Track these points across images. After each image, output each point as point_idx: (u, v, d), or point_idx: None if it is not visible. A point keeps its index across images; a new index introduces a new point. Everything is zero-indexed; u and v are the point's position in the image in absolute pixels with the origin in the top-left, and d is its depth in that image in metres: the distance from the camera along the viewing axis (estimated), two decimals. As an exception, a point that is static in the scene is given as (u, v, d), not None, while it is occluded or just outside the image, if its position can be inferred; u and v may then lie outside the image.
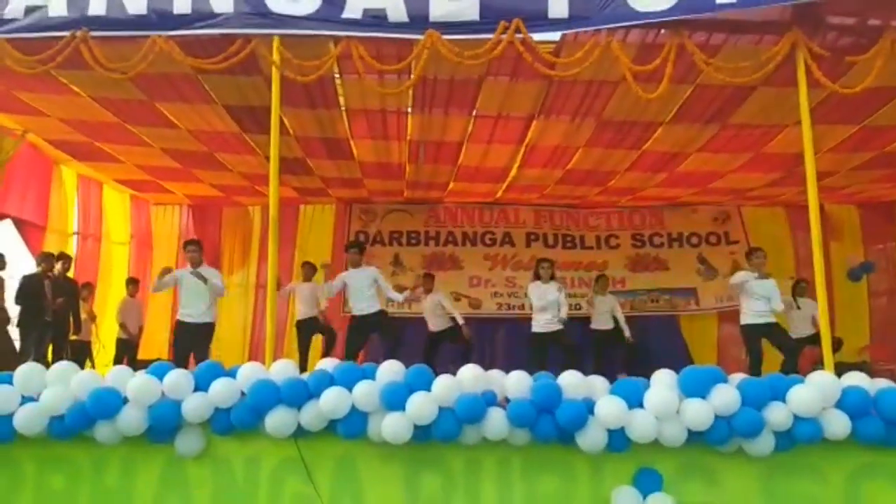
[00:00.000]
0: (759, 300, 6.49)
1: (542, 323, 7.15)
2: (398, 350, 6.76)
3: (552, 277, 7.38)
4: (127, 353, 8.64)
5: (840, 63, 5.11)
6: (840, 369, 4.67)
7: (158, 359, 6.51)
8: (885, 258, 10.53)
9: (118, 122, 6.94)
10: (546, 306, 7.11)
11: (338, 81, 6.04)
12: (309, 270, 8.80)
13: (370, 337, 7.30)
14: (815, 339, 7.41)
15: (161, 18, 5.13)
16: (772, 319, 6.60)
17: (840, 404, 4.23)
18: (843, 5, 5.01)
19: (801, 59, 5.03)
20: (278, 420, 4.26)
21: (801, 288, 8.29)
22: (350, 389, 4.27)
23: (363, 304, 7.07)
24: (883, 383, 4.41)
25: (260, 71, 5.55)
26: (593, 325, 8.72)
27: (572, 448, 4.27)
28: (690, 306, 10.33)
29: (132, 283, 9.19)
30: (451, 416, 4.23)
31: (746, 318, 6.63)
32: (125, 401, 4.32)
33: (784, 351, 6.55)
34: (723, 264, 10.36)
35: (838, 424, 4.17)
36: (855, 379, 4.42)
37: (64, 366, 4.66)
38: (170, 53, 5.12)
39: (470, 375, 4.41)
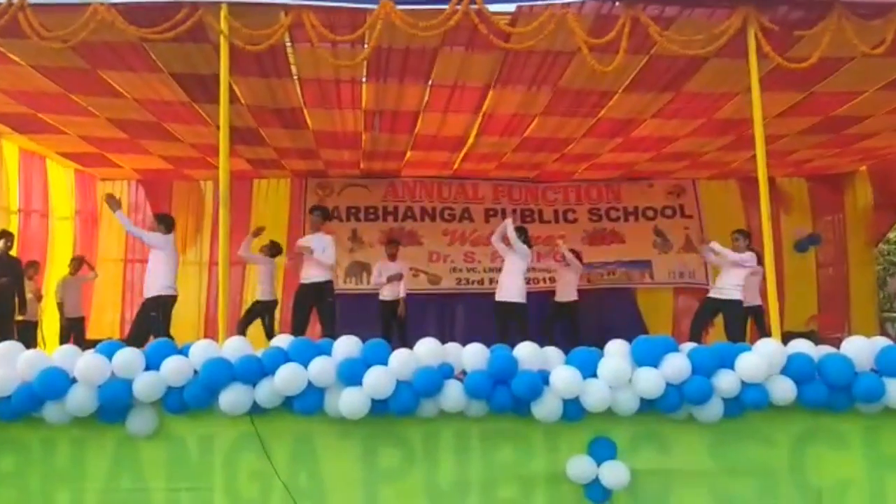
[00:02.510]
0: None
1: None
2: (333, 327, 6.73)
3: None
4: (74, 331, 8.44)
5: (789, 36, 5.20)
6: (788, 338, 4.80)
7: (109, 338, 6.37)
8: (832, 230, 10.88)
9: (61, 92, 6.68)
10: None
11: (289, 50, 5.90)
12: (273, 249, 8.71)
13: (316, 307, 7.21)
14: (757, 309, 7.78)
15: (103, -15, 4.93)
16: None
17: (786, 371, 4.35)
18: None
19: (751, 34, 5.11)
20: (232, 398, 4.20)
21: None
22: (306, 366, 4.24)
23: (314, 270, 7.00)
24: (827, 350, 4.56)
25: (208, 38, 5.37)
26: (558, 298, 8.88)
27: (528, 418, 4.31)
28: (645, 279, 10.54)
29: (76, 261, 8.95)
30: (408, 389, 4.23)
31: (738, 293, 6.95)
32: (74, 380, 4.21)
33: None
34: (677, 238, 10.60)
35: (784, 390, 4.30)
36: (800, 346, 4.56)
37: (9, 346, 4.50)
38: (112, 22, 4.93)
39: (427, 349, 4.41)
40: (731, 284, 7.00)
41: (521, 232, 7.47)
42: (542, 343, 4.65)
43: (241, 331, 7.92)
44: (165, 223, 6.84)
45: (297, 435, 4.39)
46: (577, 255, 9.21)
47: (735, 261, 6.96)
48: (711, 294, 7.30)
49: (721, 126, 7.89)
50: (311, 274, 7.07)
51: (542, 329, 8.23)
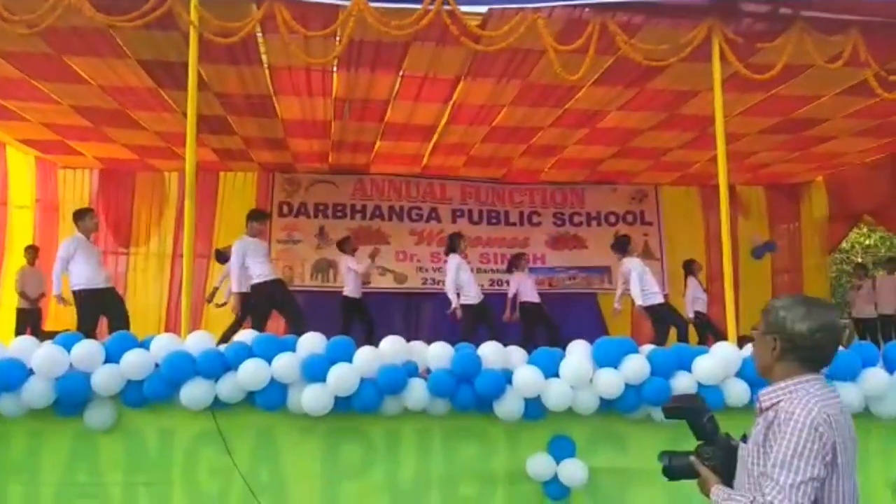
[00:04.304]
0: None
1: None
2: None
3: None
4: (30, 323, 8.25)
5: (752, 46, 5.35)
6: (743, 342, 4.93)
7: (66, 330, 6.25)
8: (788, 237, 11.19)
9: (23, 78, 6.53)
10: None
11: (260, 39, 5.86)
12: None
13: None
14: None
15: (70, -29, 4.84)
16: None
17: (740, 373, 4.48)
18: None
19: (716, 45, 5.26)
20: (194, 392, 4.16)
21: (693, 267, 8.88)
22: (269, 361, 4.22)
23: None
24: (780, 354, 4.69)
25: (177, 27, 5.31)
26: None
27: (490, 416, 4.36)
28: (604, 284, 10.69)
29: (31, 250, 8.76)
30: (371, 387, 4.24)
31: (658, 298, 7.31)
32: (31, 372, 4.13)
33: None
34: (635, 245, 10.74)
35: (739, 392, 4.41)
36: (755, 350, 4.68)
37: (-38, 336, 4.41)
38: (79, 9, 4.84)
39: (391, 346, 4.43)
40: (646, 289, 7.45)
41: (455, 238, 8.09)
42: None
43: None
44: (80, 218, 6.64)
45: (259, 430, 4.36)
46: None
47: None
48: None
49: (684, 122, 8.06)
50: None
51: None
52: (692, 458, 2.07)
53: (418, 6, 4.98)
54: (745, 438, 2.00)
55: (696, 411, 2.08)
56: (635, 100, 7.33)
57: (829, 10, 5.31)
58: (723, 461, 2.01)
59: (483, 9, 5.22)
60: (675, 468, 2.11)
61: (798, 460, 1.75)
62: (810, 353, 1.90)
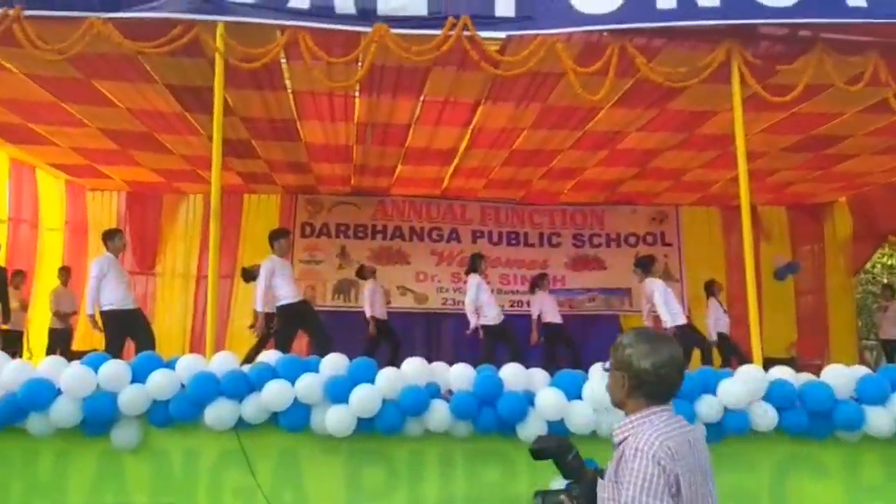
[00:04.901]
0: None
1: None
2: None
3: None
4: (60, 343, 8.38)
5: (772, 68, 5.35)
6: (768, 364, 4.88)
7: (94, 349, 6.35)
8: (811, 258, 11.07)
9: (53, 102, 6.71)
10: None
11: (284, 65, 5.98)
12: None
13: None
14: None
15: (100, 0, 4.99)
16: None
17: (767, 397, 4.42)
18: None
19: (735, 67, 5.27)
20: (219, 412, 4.20)
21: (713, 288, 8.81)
22: (293, 382, 4.26)
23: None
24: (808, 377, 4.64)
25: (203, 53, 5.43)
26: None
27: (513, 439, 4.34)
28: (625, 306, 10.63)
29: (64, 271, 8.92)
30: (394, 408, 4.25)
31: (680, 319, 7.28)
32: (59, 392, 4.19)
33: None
34: (656, 267, 10.68)
35: (765, 416, 4.35)
36: (781, 373, 4.63)
37: (-7, 356, 4.49)
38: (108, 36, 4.98)
39: (413, 368, 4.44)
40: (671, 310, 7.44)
41: (477, 259, 8.08)
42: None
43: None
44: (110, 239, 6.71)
45: (283, 451, 4.38)
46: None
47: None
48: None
49: (704, 141, 8.05)
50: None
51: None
52: (562, 496, 2.15)
53: (438, 32, 5.06)
54: (601, 473, 2.06)
55: (560, 451, 2.20)
56: (655, 120, 7.35)
57: (848, 33, 5.30)
58: (589, 497, 2.08)
59: (502, 34, 5.29)
60: None
61: (646, 496, 1.82)
62: (656, 387, 1.99)
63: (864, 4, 5.10)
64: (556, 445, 2.22)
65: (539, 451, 2.25)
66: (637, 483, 1.84)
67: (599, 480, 2.04)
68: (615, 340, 2.12)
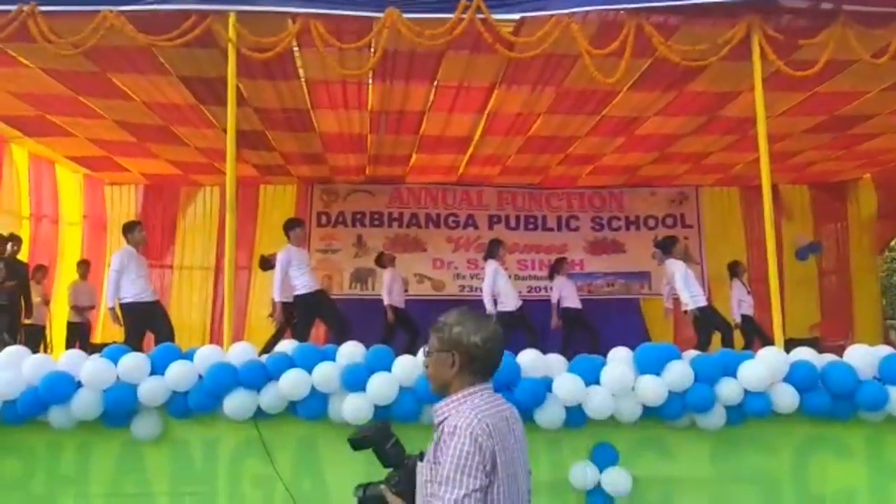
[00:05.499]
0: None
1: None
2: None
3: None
4: (79, 337, 8.49)
5: (794, 43, 5.22)
6: (790, 345, 4.81)
7: (114, 342, 6.41)
8: (834, 238, 10.88)
9: (70, 95, 6.75)
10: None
11: (296, 53, 5.95)
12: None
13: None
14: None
15: (113, -7, 5.00)
16: None
17: (788, 378, 4.34)
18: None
19: (756, 43, 5.14)
20: (237, 402, 4.22)
21: (737, 269, 8.72)
22: (310, 371, 4.26)
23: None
24: (830, 358, 4.56)
25: (216, 44, 5.42)
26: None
27: (531, 425, 4.30)
28: (644, 290, 10.54)
29: (83, 264, 9.01)
30: (411, 396, 4.25)
31: (701, 301, 7.18)
32: (79, 385, 4.24)
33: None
34: (679, 248, 10.57)
35: (787, 398, 4.28)
36: (803, 354, 4.56)
37: (15, 350, 4.54)
38: (121, 29, 4.98)
39: (430, 355, 4.42)
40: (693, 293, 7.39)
41: (495, 245, 7.99)
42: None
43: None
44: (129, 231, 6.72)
45: (301, 440, 4.41)
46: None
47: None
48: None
49: (725, 124, 7.90)
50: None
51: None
52: (381, 486, 2.11)
53: (451, 15, 5.00)
54: (422, 456, 2.02)
55: (379, 440, 2.15)
56: (674, 104, 7.21)
57: (872, 4, 5.14)
58: (408, 485, 2.04)
59: (516, 15, 5.21)
60: (369, 499, 2.14)
61: (460, 474, 1.82)
62: (484, 363, 2.03)
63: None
64: (374, 434, 2.18)
65: (356, 442, 2.21)
66: (453, 461, 1.84)
67: (419, 463, 2.01)
68: (440, 321, 2.09)
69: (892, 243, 14.09)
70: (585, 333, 8.49)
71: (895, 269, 16.11)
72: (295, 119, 7.60)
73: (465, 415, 1.90)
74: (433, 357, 2.07)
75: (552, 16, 5.09)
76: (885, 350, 4.56)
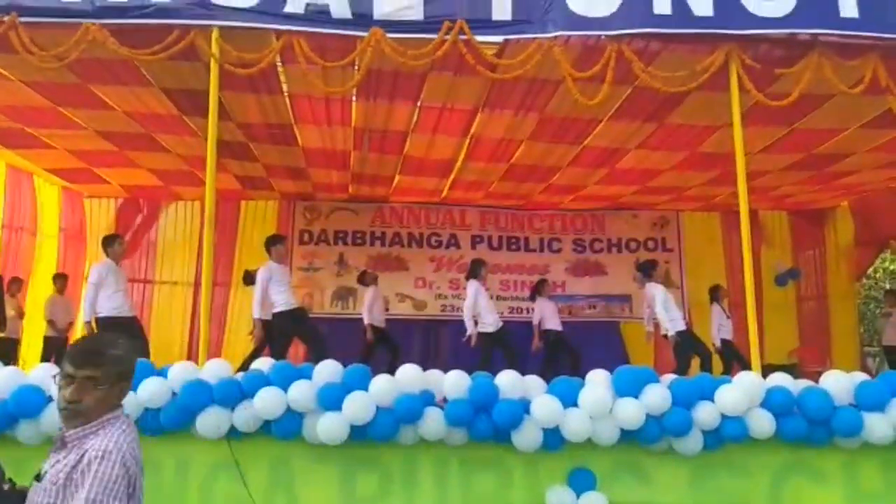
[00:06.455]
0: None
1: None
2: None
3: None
4: (55, 351, 8.33)
5: (771, 73, 5.31)
6: (769, 371, 4.82)
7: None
8: (813, 263, 11.00)
9: (50, 106, 6.67)
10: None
11: (280, 68, 5.95)
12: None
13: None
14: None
15: (94, 7, 4.97)
16: None
17: (765, 404, 4.37)
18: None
19: (733, 71, 5.21)
20: (210, 421, 4.16)
21: (718, 294, 8.77)
22: (285, 390, 4.21)
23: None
24: (806, 384, 4.58)
25: (199, 57, 5.41)
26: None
27: (508, 447, 4.29)
28: (625, 313, 10.57)
29: (60, 278, 8.87)
30: (388, 415, 4.21)
31: (680, 325, 7.23)
32: (50, 399, 4.15)
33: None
34: (660, 271, 10.64)
35: (763, 423, 4.31)
36: (779, 379, 4.58)
37: (-15, 363, 4.46)
38: (104, 42, 4.96)
39: (408, 375, 4.40)
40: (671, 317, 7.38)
41: (478, 265, 8.02)
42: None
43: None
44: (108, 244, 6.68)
45: (275, 459, 4.34)
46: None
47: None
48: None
49: (705, 160, 7.98)
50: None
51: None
52: None
53: (434, 36, 5.03)
54: (38, 477, 1.99)
55: None
56: (654, 136, 7.28)
57: (846, 36, 5.24)
58: None
59: (499, 38, 5.26)
60: None
61: (110, 498, 1.85)
62: (130, 382, 2.11)
63: (857, 16, 5.08)
64: None
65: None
66: (101, 485, 1.85)
67: (35, 485, 1.98)
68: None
69: (870, 271, 14.29)
70: (567, 356, 8.49)
71: (873, 296, 16.29)
72: (278, 133, 7.55)
73: (115, 439, 1.94)
74: (92, 387, 2.01)
75: (535, 39, 5.14)
76: (861, 376, 4.60)
